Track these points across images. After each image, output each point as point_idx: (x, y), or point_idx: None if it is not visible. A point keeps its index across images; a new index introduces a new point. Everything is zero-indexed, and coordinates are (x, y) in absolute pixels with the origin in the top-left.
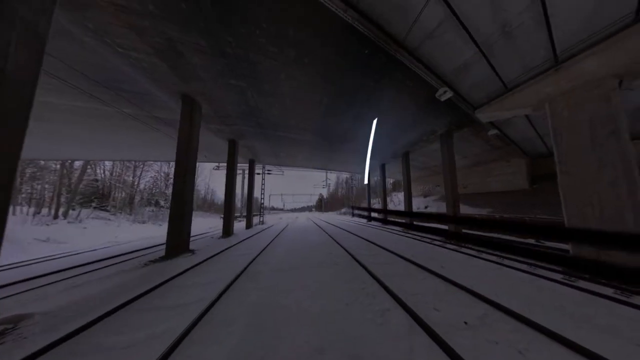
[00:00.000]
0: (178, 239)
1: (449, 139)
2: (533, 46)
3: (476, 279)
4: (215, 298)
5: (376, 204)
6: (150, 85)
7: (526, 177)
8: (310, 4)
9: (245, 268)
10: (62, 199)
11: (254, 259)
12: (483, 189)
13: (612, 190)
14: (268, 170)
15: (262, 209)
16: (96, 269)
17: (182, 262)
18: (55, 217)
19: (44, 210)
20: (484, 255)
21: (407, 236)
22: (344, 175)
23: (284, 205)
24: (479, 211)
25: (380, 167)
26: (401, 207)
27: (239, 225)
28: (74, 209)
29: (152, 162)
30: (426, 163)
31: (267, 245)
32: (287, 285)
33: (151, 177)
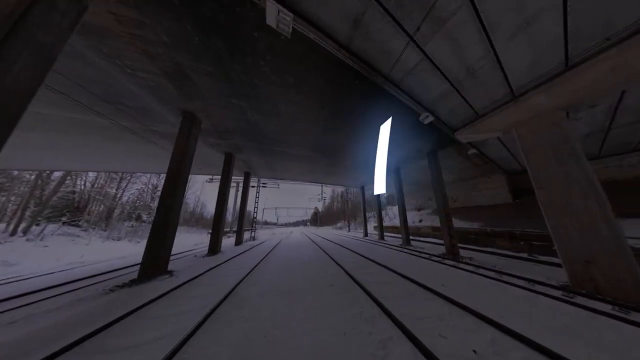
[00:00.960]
0: (155, 259)
1: (435, 157)
2: (494, 84)
3: (478, 297)
4: (187, 335)
5: (371, 217)
6: (152, 101)
7: (508, 191)
8: (308, 43)
9: (230, 292)
10: (28, 213)
11: (241, 281)
12: (471, 203)
13: (584, 203)
14: (263, 183)
15: (254, 224)
16: (45, 298)
17: (156, 286)
18: (13, 233)
19: (1, 226)
20: (481, 271)
21: (404, 252)
22: (339, 189)
23: (277, 220)
24: (471, 224)
25: (374, 182)
26: (396, 221)
27: (229, 241)
28: (38, 224)
29: (141, 174)
30: (417, 178)
31: (257, 265)
32: (277, 314)
33: (137, 189)
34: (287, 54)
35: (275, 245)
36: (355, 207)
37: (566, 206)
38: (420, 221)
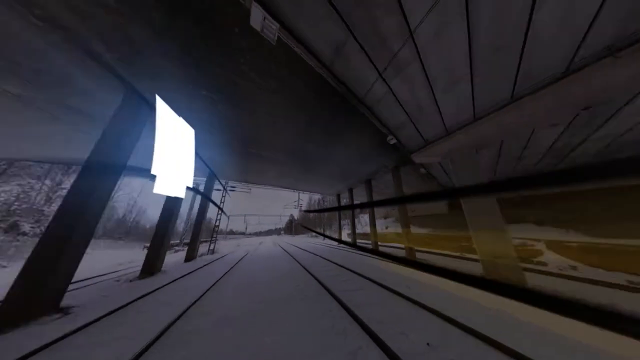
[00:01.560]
0: (35, 291)
1: (397, 172)
2: (435, 121)
3: (434, 297)
4: None
5: (345, 225)
6: (74, 68)
7: (445, 203)
8: (291, 53)
9: (168, 328)
10: None
11: (185, 311)
12: (423, 213)
13: (490, 214)
14: (232, 187)
15: (214, 233)
16: None
17: (30, 337)
18: None
19: None
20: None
21: (373, 257)
22: (316, 197)
23: (246, 229)
24: (424, 230)
25: (348, 190)
26: (367, 228)
27: (176, 257)
28: None
29: (30, 163)
30: (385, 189)
31: (211, 287)
32: (234, 350)
33: (19, 185)
34: (272, 57)
35: (240, 260)
36: (331, 215)
37: (480, 216)
38: (387, 228)
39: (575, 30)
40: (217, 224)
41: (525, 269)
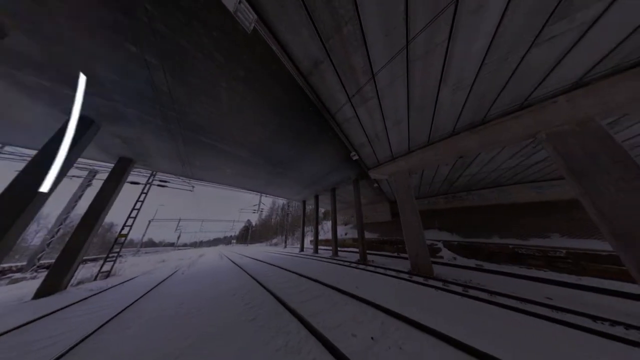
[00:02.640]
0: None
1: (357, 184)
2: (385, 148)
3: (374, 290)
4: None
5: (309, 232)
6: None
7: (389, 213)
8: (269, 51)
9: None
10: None
11: None
12: (374, 220)
13: (414, 221)
14: (161, 181)
15: (116, 246)
16: None
17: None
18: None
19: None
20: (378, 270)
21: (332, 262)
22: (281, 201)
23: (178, 238)
24: (374, 235)
25: (314, 197)
26: (329, 235)
27: (16, 291)
28: None
29: None
30: (346, 198)
31: (87, 338)
32: None
33: None
34: (245, 46)
35: (160, 283)
36: (295, 221)
37: (408, 223)
38: (346, 234)
39: (456, 108)
40: (126, 232)
41: (433, 262)
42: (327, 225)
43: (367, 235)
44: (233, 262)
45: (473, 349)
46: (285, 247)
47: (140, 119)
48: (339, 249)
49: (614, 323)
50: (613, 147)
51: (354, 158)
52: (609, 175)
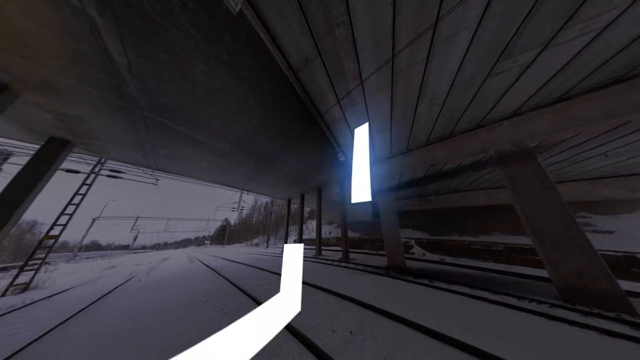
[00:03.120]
0: None
1: (343, 185)
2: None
3: (355, 287)
4: None
5: (293, 231)
6: None
7: (371, 213)
8: (257, 38)
9: None
10: None
11: None
12: (358, 219)
13: (392, 222)
14: (113, 171)
15: (38, 251)
16: None
17: None
18: None
19: None
20: (359, 267)
21: (315, 262)
22: (264, 199)
23: (135, 240)
24: (356, 234)
25: (300, 196)
26: (314, 234)
27: None
28: None
29: None
30: (332, 198)
31: None
32: None
33: None
34: (231, 27)
35: (106, 294)
36: (279, 220)
37: (387, 223)
38: (330, 233)
39: (431, 121)
40: (56, 231)
41: (406, 258)
42: (312, 224)
43: (350, 234)
44: (206, 265)
45: (438, 333)
46: (267, 247)
47: (84, 93)
48: (322, 247)
49: (530, 300)
50: (536, 165)
51: (341, 159)
52: (532, 185)
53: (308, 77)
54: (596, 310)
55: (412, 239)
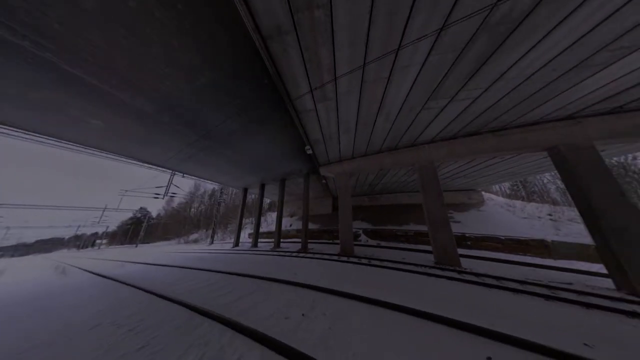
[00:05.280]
0: None
1: (308, 178)
2: (336, 149)
3: (310, 273)
4: None
5: (248, 224)
6: None
7: (331, 207)
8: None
9: None
10: None
11: None
12: (319, 212)
13: (347, 215)
14: None
15: None
16: None
17: None
18: None
19: None
20: (316, 256)
21: (272, 254)
22: (209, 186)
23: None
24: (316, 226)
25: (260, 186)
26: (273, 227)
27: None
28: None
29: None
30: (295, 190)
31: None
32: None
33: None
34: None
35: None
36: (230, 212)
37: (344, 216)
38: (291, 225)
39: (384, 133)
40: None
41: (355, 245)
42: (271, 217)
43: (311, 226)
44: (99, 274)
45: (370, 299)
46: (212, 242)
47: None
48: (282, 240)
49: (423, 266)
50: (436, 178)
51: (308, 152)
52: (432, 192)
53: (279, 51)
54: (450, 267)
55: (360, 229)
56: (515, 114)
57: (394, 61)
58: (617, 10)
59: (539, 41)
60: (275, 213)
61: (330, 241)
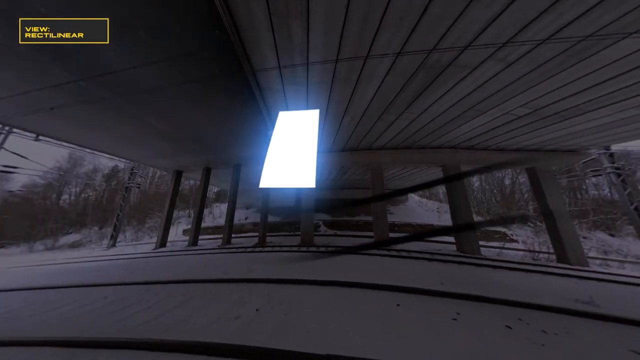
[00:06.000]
0: None
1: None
2: None
3: (267, 268)
4: None
5: (183, 217)
6: None
7: (294, 199)
8: None
9: None
10: None
11: None
12: (279, 204)
13: (313, 210)
14: None
15: None
16: None
17: None
18: None
19: None
20: (275, 249)
21: (220, 253)
22: (108, 162)
23: None
24: (277, 218)
25: (204, 170)
26: (222, 220)
27: None
28: None
29: None
30: (254, 178)
31: None
32: None
33: None
34: None
35: None
36: (150, 202)
37: (307, 208)
38: (246, 218)
39: (348, 134)
40: None
41: (315, 235)
42: (220, 209)
43: (271, 218)
44: None
45: (324, 281)
46: (114, 245)
47: None
48: (235, 235)
49: (367, 250)
50: (382, 178)
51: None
52: (378, 189)
53: (244, 11)
54: (387, 249)
55: (321, 220)
56: (431, 139)
57: (362, 68)
58: (480, 86)
59: (447, 91)
60: (226, 205)
61: (292, 233)
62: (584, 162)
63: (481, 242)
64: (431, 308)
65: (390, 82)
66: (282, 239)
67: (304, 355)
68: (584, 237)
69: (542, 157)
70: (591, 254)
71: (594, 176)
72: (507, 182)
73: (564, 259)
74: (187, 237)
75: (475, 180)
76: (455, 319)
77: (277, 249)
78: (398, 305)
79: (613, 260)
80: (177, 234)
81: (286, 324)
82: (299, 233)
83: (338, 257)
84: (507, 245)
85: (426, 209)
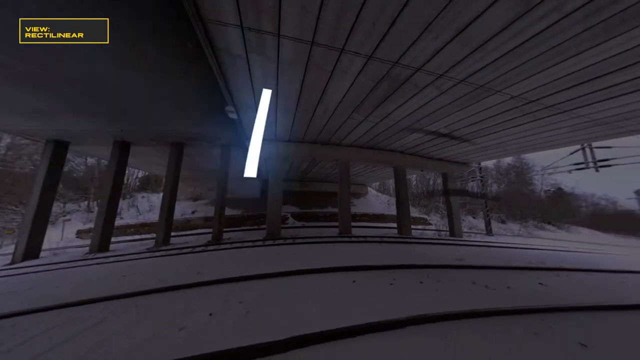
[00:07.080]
0: None
1: (228, 151)
2: (271, 127)
3: (230, 267)
4: None
5: (78, 211)
6: None
7: (259, 190)
8: None
9: None
10: None
11: None
12: (240, 195)
13: (276, 200)
14: None
15: None
16: None
17: None
18: None
19: None
20: (234, 245)
21: (154, 257)
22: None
23: None
24: (237, 212)
25: (117, 144)
26: (153, 216)
27: None
28: None
29: None
30: (204, 165)
31: None
32: None
33: None
34: None
35: None
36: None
37: (273, 199)
38: (193, 212)
39: (319, 127)
40: None
41: (282, 227)
42: (150, 200)
43: (230, 211)
44: None
45: (290, 271)
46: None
47: None
48: (178, 233)
49: (332, 237)
50: (348, 173)
51: (231, 116)
52: (344, 182)
53: None
54: (347, 235)
55: (289, 212)
56: (388, 143)
57: (337, 61)
58: (422, 105)
59: (403, 103)
60: (156, 196)
61: (256, 227)
62: (469, 171)
63: (413, 227)
64: (377, 279)
65: (361, 83)
66: (244, 234)
67: (266, 345)
68: (462, 220)
69: (451, 166)
70: (465, 230)
71: (472, 180)
72: (431, 182)
73: (453, 233)
74: (86, 241)
75: (413, 179)
76: (392, 284)
77: (237, 245)
78: (354, 281)
79: (474, 232)
80: (66, 237)
81: (248, 321)
82: (264, 227)
83: (304, 246)
84: (426, 227)
85: (380, 201)
